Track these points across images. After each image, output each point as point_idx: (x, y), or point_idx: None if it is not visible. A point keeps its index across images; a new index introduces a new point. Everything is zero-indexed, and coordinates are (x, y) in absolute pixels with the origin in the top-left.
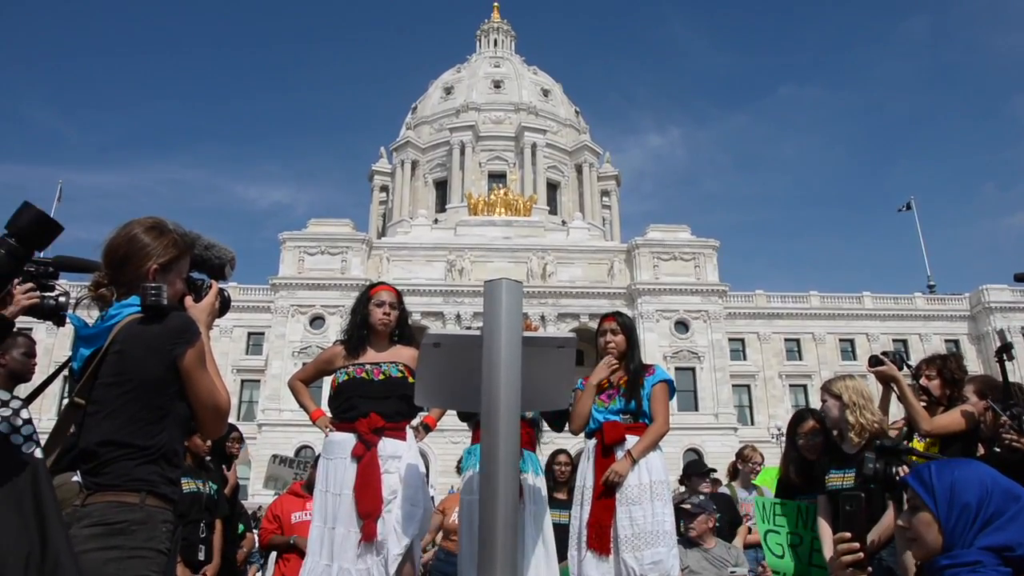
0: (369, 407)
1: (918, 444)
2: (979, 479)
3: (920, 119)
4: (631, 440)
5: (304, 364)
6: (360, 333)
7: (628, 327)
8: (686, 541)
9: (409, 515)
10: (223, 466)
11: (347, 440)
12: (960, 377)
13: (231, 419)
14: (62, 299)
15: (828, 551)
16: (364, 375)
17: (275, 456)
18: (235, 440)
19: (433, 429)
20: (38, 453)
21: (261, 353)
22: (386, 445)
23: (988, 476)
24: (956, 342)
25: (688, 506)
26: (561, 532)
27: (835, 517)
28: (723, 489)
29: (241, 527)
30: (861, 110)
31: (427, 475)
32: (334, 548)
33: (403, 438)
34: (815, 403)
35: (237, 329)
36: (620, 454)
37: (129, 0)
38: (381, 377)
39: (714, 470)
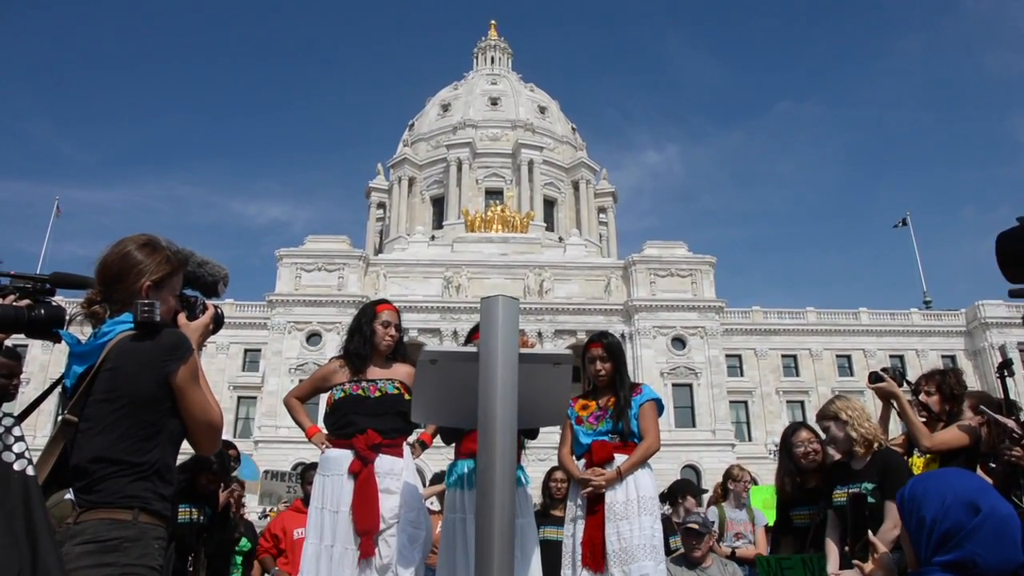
0: (366, 424)
1: (918, 460)
2: (939, 493)
3: (915, 136)
4: (620, 459)
5: (301, 381)
6: (365, 351)
7: (615, 350)
8: (687, 561)
9: (413, 538)
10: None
11: (344, 456)
12: (960, 392)
13: (227, 436)
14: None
15: (832, 567)
16: (360, 392)
17: (267, 472)
18: (231, 458)
19: (430, 446)
20: (30, 470)
21: (258, 370)
22: (383, 462)
23: (951, 489)
24: (953, 358)
25: (695, 526)
26: (558, 549)
27: (842, 532)
28: (712, 509)
29: (248, 544)
30: (857, 126)
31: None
32: (332, 566)
33: (400, 455)
34: (812, 419)
35: (234, 346)
36: (610, 472)
37: (128, 17)
38: (377, 394)
39: (704, 491)
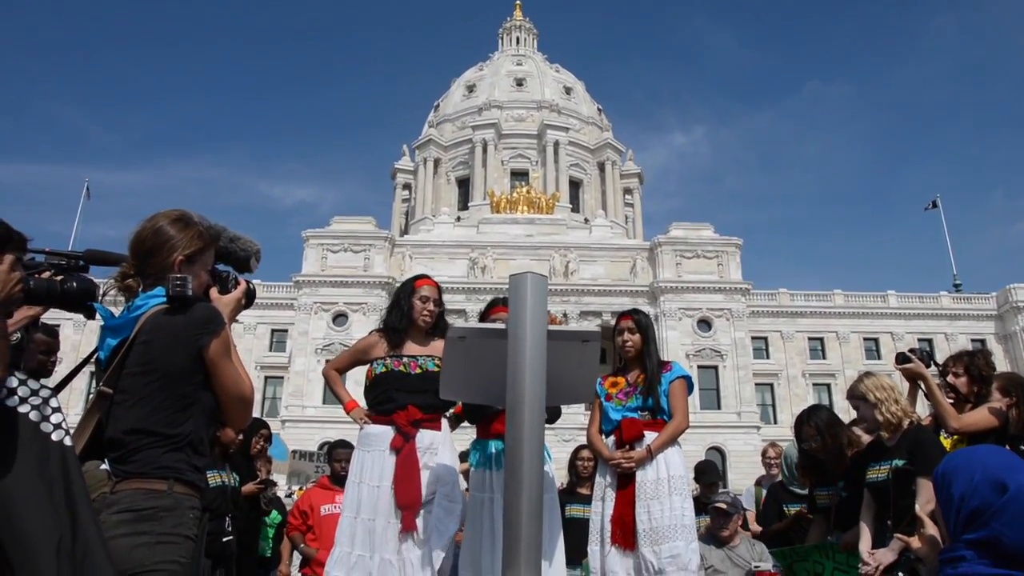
0: (406, 400)
1: (946, 442)
2: (968, 470)
3: (945, 118)
4: (650, 436)
5: (328, 361)
6: (402, 325)
7: (644, 325)
8: (716, 540)
9: (449, 511)
10: (252, 462)
11: (385, 432)
12: (988, 374)
13: (254, 415)
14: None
15: (865, 545)
16: (402, 368)
17: (295, 451)
18: (263, 438)
19: (464, 419)
20: (68, 441)
21: (284, 350)
22: (423, 436)
23: (979, 466)
24: (983, 341)
25: (723, 506)
26: (585, 526)
27: (878, 510)
28: (750, 488)
29: (280, 516)
30: (886, 108)
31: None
32: (374, 540)
33: (439, 428)
34: (838, 402)
35: (261, 326)
36: (640, 450)
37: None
38: (418, 371)
39: (721, 479)
